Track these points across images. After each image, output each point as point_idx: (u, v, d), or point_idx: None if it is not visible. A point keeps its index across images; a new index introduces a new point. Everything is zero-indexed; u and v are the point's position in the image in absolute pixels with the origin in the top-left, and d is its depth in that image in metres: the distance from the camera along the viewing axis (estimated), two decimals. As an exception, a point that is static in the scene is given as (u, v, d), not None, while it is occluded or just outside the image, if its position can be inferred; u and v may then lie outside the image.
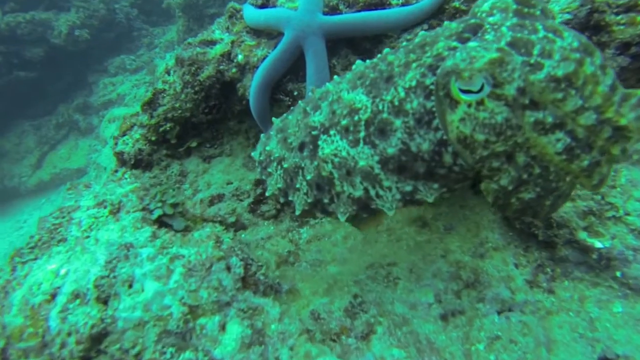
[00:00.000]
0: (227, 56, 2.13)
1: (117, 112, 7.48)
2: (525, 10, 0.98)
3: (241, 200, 2.32)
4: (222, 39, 2.20)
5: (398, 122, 1.08)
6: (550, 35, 0.90)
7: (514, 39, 0.91)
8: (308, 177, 1.31)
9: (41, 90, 8.81)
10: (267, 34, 2.10)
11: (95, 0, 8.78)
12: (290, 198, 1.44)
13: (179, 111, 2.22)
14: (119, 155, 2.24)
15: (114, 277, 1.42)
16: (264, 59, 1.98)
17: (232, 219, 2.01)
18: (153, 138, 2.26)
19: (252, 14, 2.06)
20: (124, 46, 9.40)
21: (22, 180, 8.13)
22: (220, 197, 2.32)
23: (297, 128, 1.34)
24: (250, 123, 2.38)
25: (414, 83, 1.05)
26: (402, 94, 1.07)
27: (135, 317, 1.36)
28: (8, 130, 8.64)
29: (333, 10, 1.93)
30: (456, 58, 0.93)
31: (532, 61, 0.88)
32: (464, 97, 0.94)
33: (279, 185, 1.45)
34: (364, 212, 1.28)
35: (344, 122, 1.18)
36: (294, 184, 1.38)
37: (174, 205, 1.68)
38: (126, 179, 1.91)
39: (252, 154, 1.65)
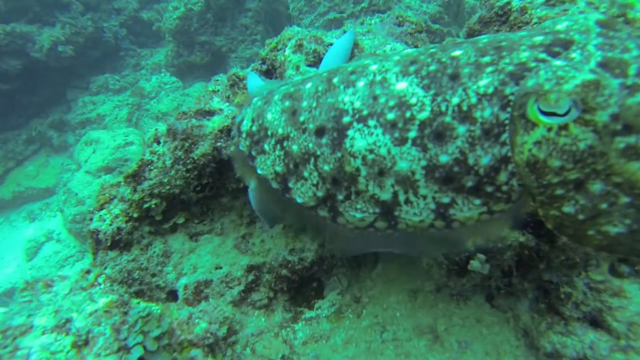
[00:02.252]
0: (227, 131, 1.91)
1: (94, 135, 7.12)
2: (611, 33, 0.88)
3: (231, 288, 2.08)
4: (221, 110, 1.99)
5: (462, 129, 0.96)
6: None
7: (605, 58, 0.82)
8: (325, 168, 1.12)
9: (14, 103, 8.37)
10: (273, 111, 1.90)
11: (83, 18, 8.49)
12: (289, 185, 1.22)
13: (167, 187, 1.98)
14: (94, 234, 1.96)
15: None
16: (269, 144, 1.77)
17: (223, 331, 1.75)
18: (135, 215, 2.00)
19: (258, 89, 1.85)
20: (109, 65, 9.10)
21: (-23, 197, 7.60)
22: (207, 284, 2.07)
23: (316, 103, 1.14)
24: (245, 199, 2.15)
25: (490, 90, 0.94)
26: (474, 100, 0.95)
27: None
28: (-30, 142, 8.15)
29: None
30: (540, 77, 0.85)
31: (628, 82, 0.80)
32: (544, 119, 0.86)
33: (277, 169, 1.23)
34: (384, 219, 1.11)
35: (390, 116, 1.03)
36: (301, 171, 1.17)
37: (159, 338, 1.40)
38: (99, 285, 1.63)
39: (236, 119, 1.37)
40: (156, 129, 2.15)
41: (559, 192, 0.89)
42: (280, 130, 1.20)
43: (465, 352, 1.74)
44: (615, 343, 1.39)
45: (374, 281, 2.09)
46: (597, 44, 0.86)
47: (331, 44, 1.95)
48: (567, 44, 0.89)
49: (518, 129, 0.91)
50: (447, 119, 0.97)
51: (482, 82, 0.94)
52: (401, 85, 1.03)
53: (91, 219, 2.01)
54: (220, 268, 2.09)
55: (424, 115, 0.99)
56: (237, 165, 1.42)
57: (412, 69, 1.04)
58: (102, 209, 2.03)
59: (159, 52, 9.30)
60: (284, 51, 2.01)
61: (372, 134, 1.05)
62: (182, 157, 1.90)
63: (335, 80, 1.14)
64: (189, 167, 1.91)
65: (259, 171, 1.29)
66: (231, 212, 2.19)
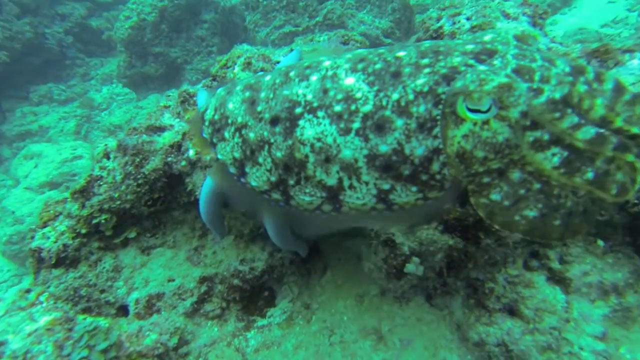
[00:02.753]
0: (177, 147, 1.96)
1: (36, 148, 6.78)
2: (525, 46, 1.05)
3: (183, 300, 2.11)
4: (172, 126, 2.04)
5: (399, 123, 1.07)
6: (546, 64, 0.99)
7: (518, 65, 0.97)
8: (278, 155, 1.20)
9: None
10: (223, 127, 1.97)
11: (20, 22, 8.08)
12: (246, 170, 1.30)
13: (118, 202, 1.99)
14: (35, 253, 1.93)
15: None
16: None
17: (174, 341, 1.78)
18: (83, 231, 2.00)
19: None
20: (52, 74, 8.70)
21: None
22: (159, 297, 2.09)
23: (273, 95, 1.22)
24: (197, 213, 2.20)
25: (425, 88, 1.06)
26: (411, 97, 1.06)
27: None
28: None
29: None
30: (466, 79, 0.99)
31: (534, 86, 0.96)
32: (471, 115, 0.99)
33: (236, 155, 1.30)
34: (330, 203, 1.21)
35: (337, 108, 1.12)
36: (256, 157, 1.25)
37: (106, 351, 1.42)
38: (41, 303, 1.61)
39: (199, 107, 1.44)
40: (106, 145, 2.17)
41: (486, 179, 1.03)
42: (239, 119, 1.27)
43: (406, 349, 1.87)
44: (526, 327, 1.58)
45: (323, 288, 2.20)
46: (513, 54, 1.02)
47: (278, 62, 2.06)
48: (491, 53, 1.05)
49: (449, 124, 1.03)
50: (387, 112, 1.08)
51: (419, 81, 1.06)
52: (349, 81, 1.13)
53: (32, 237, 1.98)
54: (173, 280, 2.12)
55: (367, 108, 1.10)
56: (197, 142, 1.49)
57: (360, 66, 1.14)
58: (45, 227, 2.01)
59: (110, 62, 9.04)
60: (234, 68, 2.10)
61: (320, 124, 1.14)
62: (133, 172, 1.93)
63: (291, 73, 1.23)
64: (140, 181, 1.94)
65: (218, 156, 1.37)
66: (183, 225, 2.22)
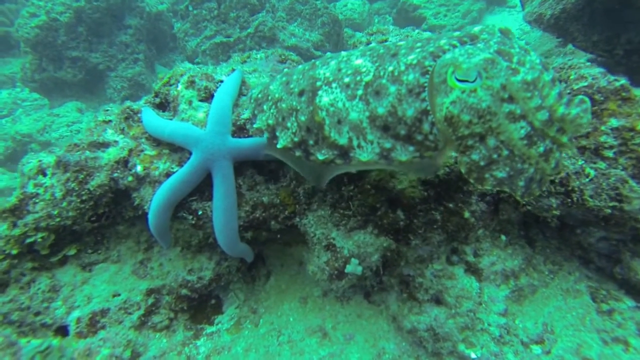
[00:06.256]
0: (123, 163, 1.98)
1: None
2: (506, 39, 1.26)
3: (130, 314, 2.11)
4: (116, 142, 2.04)
5: (393, 89, 1.28)
6: (522, 51, 1.18)
7: (500, 49, 1.18)
8: (302, 119, 1.48)
9: None
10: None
11: None
12: (277, 134, 1.60)
13: (57, 219, 1.96)
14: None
15: None
16: (167, 174, 1.90)
17: (127, 354, 1.80)
18: (14, 251, 1.93)
19: (153, 124, 1.97)
20: None
21: None
22: (104, 313, 2.08)
23: (302, 76, 1.53)
24: (142, 227, 2.22)
25: (414, 61, 1.26)
26: (402, 68, 1.28)
27: None
28: None
29: (241, 130, 1.98)
30: (455, 53, 1.18)
31: (513, 66, 1.15)
32: (460, 85, 1.17)
33: (270, 122, 1.62)
34: (341, 159, 1.46)
35: (346, 80, 1.38)
36: (285, 122, 1.55)
37: None
38: None
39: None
40: (40, 160, 2.11)
41: (470, 142, 1.21)
42: (277, 95, 1.59)
43: (349, 343, 2.07)
44: (449, 312, 1.87)
45: (267, 293, 2.33)
46: (496, 41, 1.23)
47: (221, 81, 2.16)
48: (474, 38, 1.26)
49: (440, 92, 1.20)
50: (384, 81, 1.30)
51: (410, 57, 1.27)
52: (358, 62, 1.40)
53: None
54: (119, 295, 2.11)
55: (368, 78, 1.34)
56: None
57: (368, 53, 1.41)
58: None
59: (10, 62, 8.24)
60: (177, 86, 2.16)
61: (333, 92, 1.40)
62: (76, 188, 1.91)
63: (317, 62, 1.54)
64: (84, 198, 1.93)
65: (255, 125, 1.70)
66: (128, 239, 2.22)
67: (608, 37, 3.51)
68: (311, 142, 1.50)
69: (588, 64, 1.96)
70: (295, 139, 1.54)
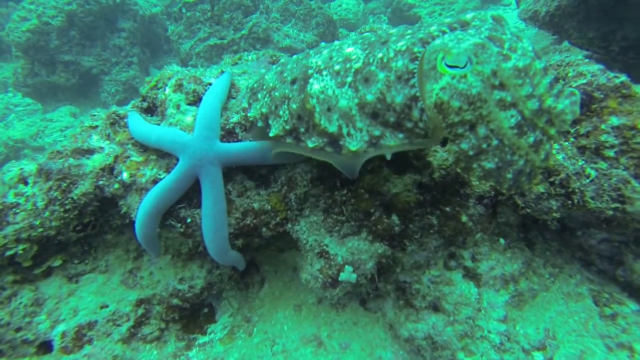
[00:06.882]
0: (109, 170, 1.91)
1: None
2: (498, 26, 1.23)
3: (119, 326, 2.05)
4: (101, 148, 1.98)
5: (381, 75, 1.26)
6: (514, 38, 1.15)
7: (491, 35, 1.15)
8: (293, 107, 1.46)
9: None
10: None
11: None
12: (270, 122, 1.57)
13: (40, 229, 1.89)
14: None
15: None
16: (154, 181, 1.84)
17: (113, 370, 1.73)
18: (-5, 265, 1.86)
19: (140, 130, 1.91)
20: None
21: None
22: (91, 326, 2.01)
23: (295, 65, 1.52)
24: (131, 235, 2.15)
25: (403, 48, 1.24)
26: (392, 54, 1.25)
27: None
28: None
29: (230, 134, 1.91)
30: (445, 39, 1.15)
31: (504, 52, 1.12)
32: (450, 70, 1.13)
33: (263, 110, 1.59)
34: (332, 147, 1.43)
35: (337, 67, 1.36)
36: (278, 111, 1.53)
37: None
38: None
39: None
40: (21, 168, 2.04)
41: (460, 130, 1.16)
42: (271, 84, 1.58)
43: (345, 352, 2.01)
44: (447, 320, 1.81)
45: (262, 300, 2.26)
46: (487, 28, 1.19)
47: (210, 84, 2.10)
48: (465, 25, 1.23)
49: (430, 78, 1.17)
50: (373, 67, 1.28)
51: (400, 44, 1.25)
52: (349, 50, 1.38)
53: None
54: (107, 306, 2.05)
55: (358, 65, 1.32)
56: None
57: (359, 41, 1.40)
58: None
59: (2, 67, 8.17)
60: (165, 90, 2.09)
61: (323, 80, 1.38)
62: (59, 197, 1.85)
63: (311, 51, 1.53)
64: (67, 207, 1.86)
65: (249, 114, 1.68)
66: (116, 248, 2.16)
67: (604, 33, 3.46)
68: (302, 129, 1.48)
69: (586, 60, 1.90)
70: (287, 127, 1.51)
